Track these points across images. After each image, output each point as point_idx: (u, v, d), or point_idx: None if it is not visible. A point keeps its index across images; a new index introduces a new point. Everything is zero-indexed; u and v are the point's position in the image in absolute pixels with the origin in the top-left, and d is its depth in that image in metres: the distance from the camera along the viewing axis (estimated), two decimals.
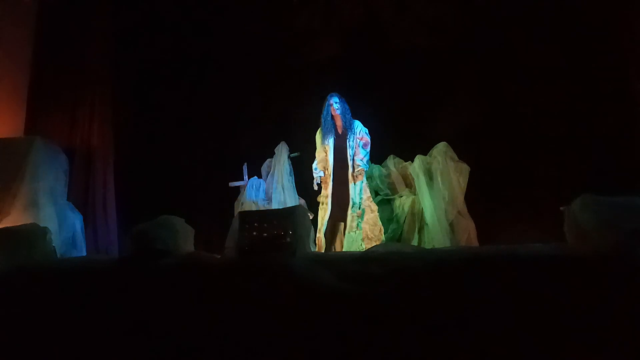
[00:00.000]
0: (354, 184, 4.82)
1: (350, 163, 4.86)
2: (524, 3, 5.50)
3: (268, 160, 5.38)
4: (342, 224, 4.84)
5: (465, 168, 4.77)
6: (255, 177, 5.40)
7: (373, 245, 4.62)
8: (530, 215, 5.03)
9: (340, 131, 4.97)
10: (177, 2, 6.33)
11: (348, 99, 5.04)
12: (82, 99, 5.85)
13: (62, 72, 5.86)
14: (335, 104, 4.92)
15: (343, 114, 4.92)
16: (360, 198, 4.82)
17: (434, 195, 4.67)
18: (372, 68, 5.97)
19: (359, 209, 4.78)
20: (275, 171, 5.25)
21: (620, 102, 5.06)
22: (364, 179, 4.89)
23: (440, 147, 4.85)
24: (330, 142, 4.95)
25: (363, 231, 4.75)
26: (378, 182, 5.04)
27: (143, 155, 6.06)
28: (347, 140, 4.90)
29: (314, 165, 5.02)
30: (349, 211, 4.77)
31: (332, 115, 4.95)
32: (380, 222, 4.83)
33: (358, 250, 4.58)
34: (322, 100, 5.04)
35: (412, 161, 4.95)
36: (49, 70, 5.86)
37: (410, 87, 5.85)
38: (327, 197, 4.88)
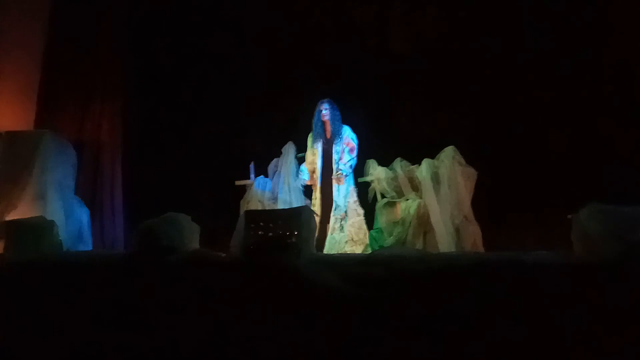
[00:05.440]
0: (338, 187, 4.92)
1: (335, 167, 4.97)
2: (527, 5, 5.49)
3: (275, 159, 5.38)
4: (328, 225, 4.92)
5: (472, 173, 4.75)
6: (262, 176, 5.40)
7: (357, 248, 4.78)
8: (537, 222, 5.02)
9: (328, 136, 5.11)
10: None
11: (355, 99, 5.04)
12: (93, 94, 5.89)
13: (73, 67, 5.90)
14: (325, 110, 5.07)
15: (332, 120, 5.07)
16: (347, 201, 4.93)
17: (440, 199, 4.66)
18: (383, 70, 5.97)
19: (343, 211, 4.88)
20: (282, 171, 5.27)
21: (628, 111, 5.03)
22: (351, 182, 5.01)
23: (448, 151, 4.83)
24: (319, 147, 5.10)
25: (348, 234, 4.85)
26: (385, 184, 5.04)
27: (151, 151, 6.09)
28: (334, 145, 5.03)
29: (301, 167, 5.16)
30: (332, 213, 4.88)
31: (322, 121, 5.09)
32: (366, 227, 4.92)
33: (340, 252, 4.69)
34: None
35: (420, 164, 4.93)
36: (61, 65, 5.89)
37: (418, 89, 5.85)
38: (316, 199, 5.04)
